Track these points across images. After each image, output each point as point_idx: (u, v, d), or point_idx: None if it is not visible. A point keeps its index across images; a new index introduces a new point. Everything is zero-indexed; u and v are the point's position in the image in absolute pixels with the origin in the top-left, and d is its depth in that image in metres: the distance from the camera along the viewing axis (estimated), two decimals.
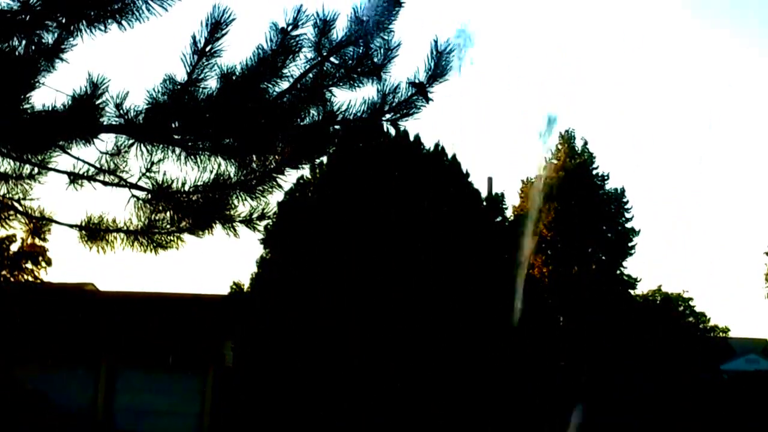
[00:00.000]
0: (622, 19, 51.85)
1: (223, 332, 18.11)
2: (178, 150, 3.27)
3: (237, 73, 3.10)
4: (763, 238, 50.53)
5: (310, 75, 3.16)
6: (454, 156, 18.29)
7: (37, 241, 22.33)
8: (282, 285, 16.20)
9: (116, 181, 3.38)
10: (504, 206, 21.40)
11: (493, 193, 20.91)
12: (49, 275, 25.32)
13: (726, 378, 23.48)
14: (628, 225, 28.41)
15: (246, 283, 18.12)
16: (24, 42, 2.89)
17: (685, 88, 54.33)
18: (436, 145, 18.35)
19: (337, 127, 3.29)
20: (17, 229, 3.68)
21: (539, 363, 17.28)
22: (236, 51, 3.07)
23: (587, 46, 53.39)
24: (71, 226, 3.53)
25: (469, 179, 18.36)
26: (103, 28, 2.98)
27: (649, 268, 60.35)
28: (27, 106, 2.92)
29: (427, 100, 3.17)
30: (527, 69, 52.76)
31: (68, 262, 46.69)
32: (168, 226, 3.57)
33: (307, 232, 16.29)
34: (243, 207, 3.54)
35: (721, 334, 33.74)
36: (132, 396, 18.04)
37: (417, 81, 3.13)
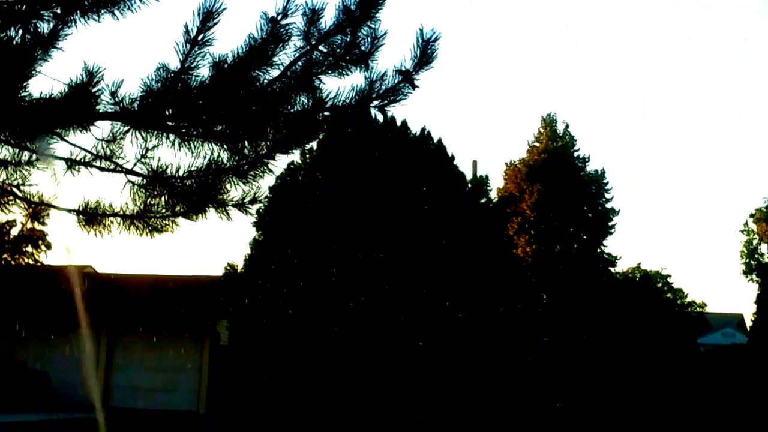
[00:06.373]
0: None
1: (218, 312, 18.35)
2: (172, 136, 3.36)
3: (228, 62, 3.18)
4: (738, 216, 51.72)
5: (300, 63, 3.25)
6: (439, 140, 18.47)
7: (36, 225, 22.32)
8: (274, 266, 16.37)
9: (112, 167, 3.46)
10: (488, 188, 21.66)
11: (478, 175, 21.14)
12: (49, 258, 25.40)
13: (703, 351, 24.20)
14: (608, 205, 28.91)
15: (240, 265, 18.33)
16: (21, 31, 2.95)
17: (663, 70, 54.74)
18: (422, 130, 18.50)
19: (326, 113, 3.39)
20: (17, 213, 3.75)
21: (524, 340, 17.69)
22: (228, 40, 3.16)
23: (567, 31, 53.44)
24: (69, 210, 3.60)
25: (455, 162, 18.56)
26: (96, 17, 3.05)
27: (628, 247, 61.48)
28: (24, 94, 2.99)
29: (413, 87, 3.28)
30: (511, 54, 52.68)
31: (67, 245, 46.29)
32: (163, 211, 3.66)
33: (297, 215, 16.41)
34: (235, 191, 3.64)
35: (698, 309, 34.65)
36: (130, 375, 18.37)
37: (403, 69, 3.24)
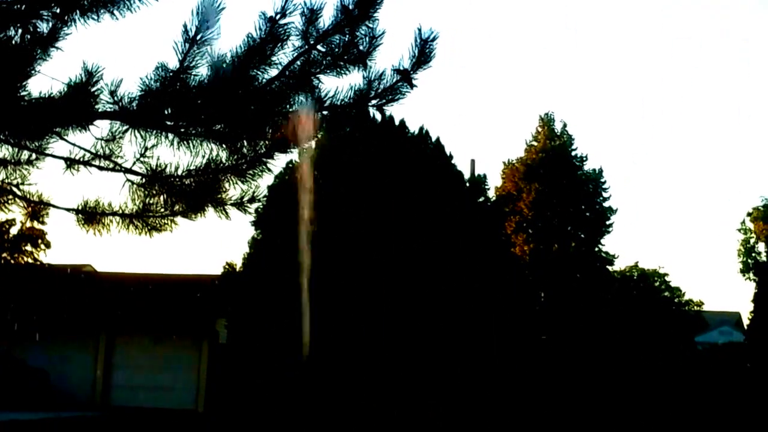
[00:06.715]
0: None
1: (217, 311, 18.44)
2: (170, 135, 3.37)
3: (227, 61, 3.20)
4: (735, 214, 51.86)
5: (298, 62, 3.26)
6: (438, 139, 18.52)
7: (36, 224, 22.50)
8: (273, 265, 16.43)
9: (111, 166, 3.48)
10: (486, 187, 21.73)
11: (476, 174, 21.19)
12: (49, 257, 25.65)
13: (700, 350, 24.30)
14: (606, 204, 28.98)
15: (239, 264, 18.41)
16: (20, 31, 2.96)
17: (663, 69, 54.86)
18: (421, 129, 18.56)
19: (324, 112, 3.41)
20: (17, 212, 3.77)
21: (522, 338, 17.75)
22: (226, 39, 3.17)
23: (566, 31, 53.53)
24: (69, 210, 3.62)
25: (453, 161, 18.63)
26: (95, 17, 3.06)
27: (626, 246, 61.67)
28: (24, 93, 3.00)
29: (412, 86, 3.29)
30: (509, 53, 52.73)
31: (67, 244, 46.41)
32: (162, 210, 3.68)
33: (296, 214, 16.44)
34: (234, 190, 3.65)
35: (695, 307, 34.72)
36: (129, 373, 18.49)
37: (402, 68, 3.25)
